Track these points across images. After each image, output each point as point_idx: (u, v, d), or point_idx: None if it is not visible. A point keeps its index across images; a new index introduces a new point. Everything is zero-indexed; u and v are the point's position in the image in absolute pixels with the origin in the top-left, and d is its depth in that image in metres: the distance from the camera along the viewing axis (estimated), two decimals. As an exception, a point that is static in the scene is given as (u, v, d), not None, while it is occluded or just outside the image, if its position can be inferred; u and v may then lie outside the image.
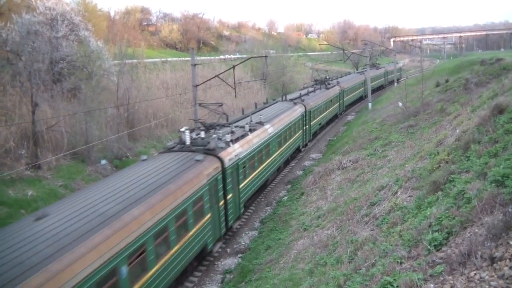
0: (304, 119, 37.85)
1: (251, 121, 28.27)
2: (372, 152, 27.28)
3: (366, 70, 66.69)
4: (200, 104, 28.37)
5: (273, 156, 29.32)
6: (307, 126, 39.35)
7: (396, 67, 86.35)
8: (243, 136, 24.49)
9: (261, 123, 28.19)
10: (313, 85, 51.54)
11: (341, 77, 66.84)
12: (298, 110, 36.52)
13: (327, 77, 57.32)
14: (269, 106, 37.02)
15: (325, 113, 46.15)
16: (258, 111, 33.59)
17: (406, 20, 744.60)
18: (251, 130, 25.98)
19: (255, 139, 25.62)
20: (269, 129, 28.51)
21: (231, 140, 22.72)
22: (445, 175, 13.57)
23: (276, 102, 39.41)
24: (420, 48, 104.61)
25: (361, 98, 70.50)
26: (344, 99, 56.91)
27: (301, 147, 38.41)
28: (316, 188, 26.11)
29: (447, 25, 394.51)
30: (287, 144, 32.88)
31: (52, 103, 35.18)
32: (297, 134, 36.04)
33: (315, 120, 41.80)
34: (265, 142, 27.27)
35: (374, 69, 79.60)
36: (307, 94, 44.02)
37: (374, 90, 73.39)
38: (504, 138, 13.29)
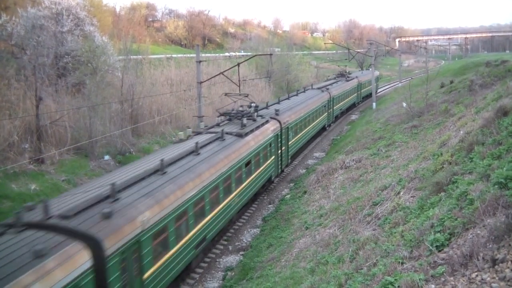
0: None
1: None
2: (376, 152, 27.25)
3: (330, 84, 55.32)
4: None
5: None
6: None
7: (374, 75, 67.20)
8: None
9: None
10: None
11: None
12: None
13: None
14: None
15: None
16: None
17: (412, 21, 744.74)
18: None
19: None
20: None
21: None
22: (448, 176, 13.55)
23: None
24: (425, 49, 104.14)
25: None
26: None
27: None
28: (319, 187, 26.11)
29: (453, 26, 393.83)
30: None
31: (56, 97, 35.27)
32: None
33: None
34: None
35: (343, 80, 61.16)
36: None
37: (338, 116, 56.52)
38: (508, 140, 13.25)
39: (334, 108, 50.97)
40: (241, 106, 31.53)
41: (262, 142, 26.45)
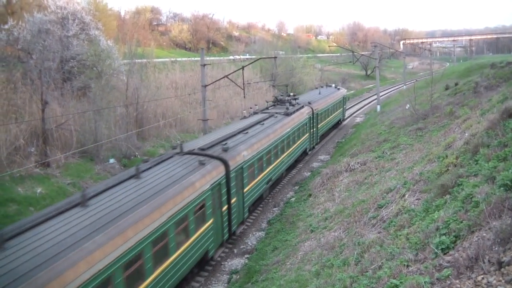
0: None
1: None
2: (381, 155, 27.21)
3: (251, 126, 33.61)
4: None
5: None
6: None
7: (341, 93, 52.46)
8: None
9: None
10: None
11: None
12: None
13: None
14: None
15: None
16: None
17: (416, 23, 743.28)
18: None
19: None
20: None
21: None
22: (453, 178, 13.53)
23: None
24: (429, 51, 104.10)
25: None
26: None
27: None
28: (323, 190, 26.09)
29: (458, 28, 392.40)
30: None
31: (62, 101, 35.39)
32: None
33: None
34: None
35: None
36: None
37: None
38: (513, 142, 13.24)
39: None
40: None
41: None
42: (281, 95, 39.42)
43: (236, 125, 28.86)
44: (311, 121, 38.15)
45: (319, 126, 41.42)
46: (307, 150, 38.68)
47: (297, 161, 36.59)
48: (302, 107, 36.63)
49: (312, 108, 38.24)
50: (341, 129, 53.30)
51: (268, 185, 27.56)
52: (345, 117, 58.27)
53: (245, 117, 32.93)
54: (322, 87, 56.17)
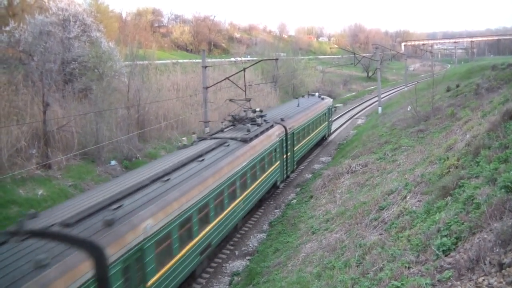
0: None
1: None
2: (382, 156, 27.20)
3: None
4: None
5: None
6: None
7: (326, 103, 44.89)
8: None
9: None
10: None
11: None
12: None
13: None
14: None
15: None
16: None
17: (418, 24, 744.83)
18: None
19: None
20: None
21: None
22: (454, 180, 13.52)
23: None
24: (431, 53, 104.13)
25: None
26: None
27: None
28: (325, 192, 26.08)
29: (459, 29, 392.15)
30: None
31: (63, 103, 35.44)
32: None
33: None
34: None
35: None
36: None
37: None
38: (514, 144, 13.23)
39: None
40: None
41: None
42: (245, 110, 30.74)
43: (161, 164, 19.52)
44: (284, 145, 30.21)
45: (295, 149, 32.99)
46: (278, 183, 29.78)
47: (262, 200, 27.90)
48: (271, 126, 28.66)
49: (285, 127, 30.21)
50: (326, 146, 45.68)
51: (206, 254, 18.67)
52: (331, 131, 49.73)
53: (184, 147, 23.30)
54: (303, 96, 46.97)
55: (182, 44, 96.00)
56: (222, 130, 27.51)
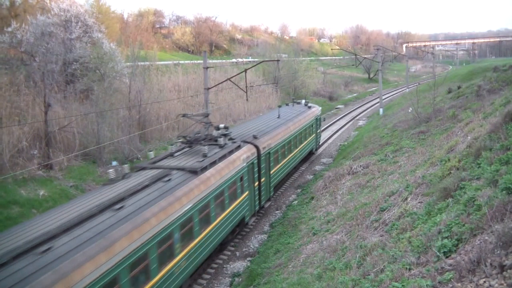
0: None
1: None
2: (383, 158, 27.21)
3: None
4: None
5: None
6: None
7: (313, 113, 39.01)
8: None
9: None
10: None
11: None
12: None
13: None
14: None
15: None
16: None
17: (419, 26, 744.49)
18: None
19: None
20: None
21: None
22: (455, 182, 13.51)
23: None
24: (432, 54, 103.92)
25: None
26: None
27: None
28: (326, 193, 26.08)
29: (460, 31, 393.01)
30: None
31: (64, 104, 35.53)
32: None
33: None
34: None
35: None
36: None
37: None
38: (516, 145, 13.23)
39: None
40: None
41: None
42: (206, 125, 24.65)
43: (58, 217, 13.22)
44: (256, 169, 24.47)
45: (272, 172, 27.07)
46: (247, 219, 23.70)
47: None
48: (238, 147, 22.86)
49: (257, 147, 24.45)
50: (313, 161, 39.42)
51: None
52: (320, 144, 43.95)
53: (111, 182, 16.90)
54: (287, 104, 41.39)
55: (183, 45, 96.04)
56: (171, 155, 20.84)
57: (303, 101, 42.36)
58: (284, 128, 30.22)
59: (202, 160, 19.43)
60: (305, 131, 35.09)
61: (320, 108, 42.78)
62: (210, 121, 26.64)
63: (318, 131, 40.45)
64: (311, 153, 39.60)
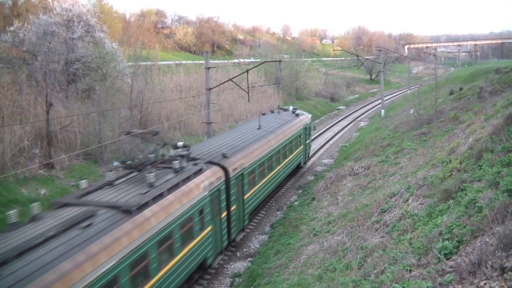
0: None
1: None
2: (384, 159, 27.19)
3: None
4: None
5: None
6: None
7: (301, 121, 34.59)
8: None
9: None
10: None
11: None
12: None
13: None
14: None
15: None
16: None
17: (421, 27, 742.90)
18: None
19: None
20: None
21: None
22: (457, 183, 13.51)
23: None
24: (434, 56, 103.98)
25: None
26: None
27: None
28: (327, 194, 26.06)
29: (462, 33, 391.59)
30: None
31: (66, 103, 35.54)
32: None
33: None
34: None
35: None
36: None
37: None
38: (517, 147, 13.22)
39: None
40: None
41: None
42: (159, 145, 19.32)
43: None
44: (223, 196, 19.89)
45: (247, 196, 22.69)
46: (208, 262, 18.76)
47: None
48: (199, 171, 18.11)
49: (225, 169, 19.91)
50: (302, 175, 35.45)
51: None
52: (310, 155, 39.98)
53: (14, 227, 12.43)
54: (272, 112, 37.04)
55: (185, 45, 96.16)
56: (110, 184, 15.77)
57: (291, 107, 38.01)
58: (264, 142, 25.79)
59: (144, 194, 14.55)
60: (290, 143, 30.67)
61: (310, 115, 38.64)
62: (165, 141, 22.72)
63: (307, 142, 36.31)
64: (299, 167, 35.38)
